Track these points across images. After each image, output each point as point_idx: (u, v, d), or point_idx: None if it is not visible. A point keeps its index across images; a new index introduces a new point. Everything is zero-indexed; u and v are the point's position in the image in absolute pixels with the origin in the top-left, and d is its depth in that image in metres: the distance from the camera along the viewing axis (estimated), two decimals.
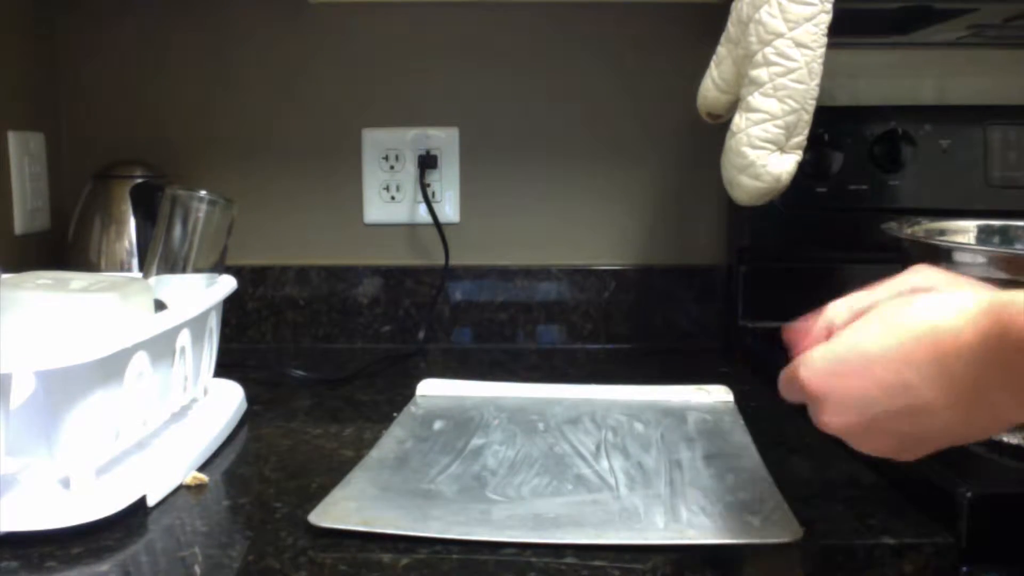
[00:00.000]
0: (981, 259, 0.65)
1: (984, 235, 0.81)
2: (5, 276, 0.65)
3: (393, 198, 1.15)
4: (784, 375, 0.52)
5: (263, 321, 1.14)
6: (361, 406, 0.86)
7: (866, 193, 1.04)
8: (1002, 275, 0.63)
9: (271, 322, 1.14)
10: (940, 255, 0.67)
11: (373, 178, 1.15)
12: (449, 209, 1.15)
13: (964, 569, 0.54)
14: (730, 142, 0.78)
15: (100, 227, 1.03)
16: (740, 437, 0.75)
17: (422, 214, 1.14)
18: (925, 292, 0.47)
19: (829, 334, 0.51)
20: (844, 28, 0.74)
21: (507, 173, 1.15)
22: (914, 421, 0.45)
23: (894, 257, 0.78)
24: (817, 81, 0.74)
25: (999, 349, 0.41)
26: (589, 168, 1.15)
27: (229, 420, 0.77)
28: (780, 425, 0.80)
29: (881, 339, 0.46)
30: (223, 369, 0.83)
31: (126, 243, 1.02)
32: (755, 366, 1.00)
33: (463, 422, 0.79)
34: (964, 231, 0.81)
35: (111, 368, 0.58)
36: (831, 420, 0.48)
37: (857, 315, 0.49)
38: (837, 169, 1.04)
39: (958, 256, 0.66)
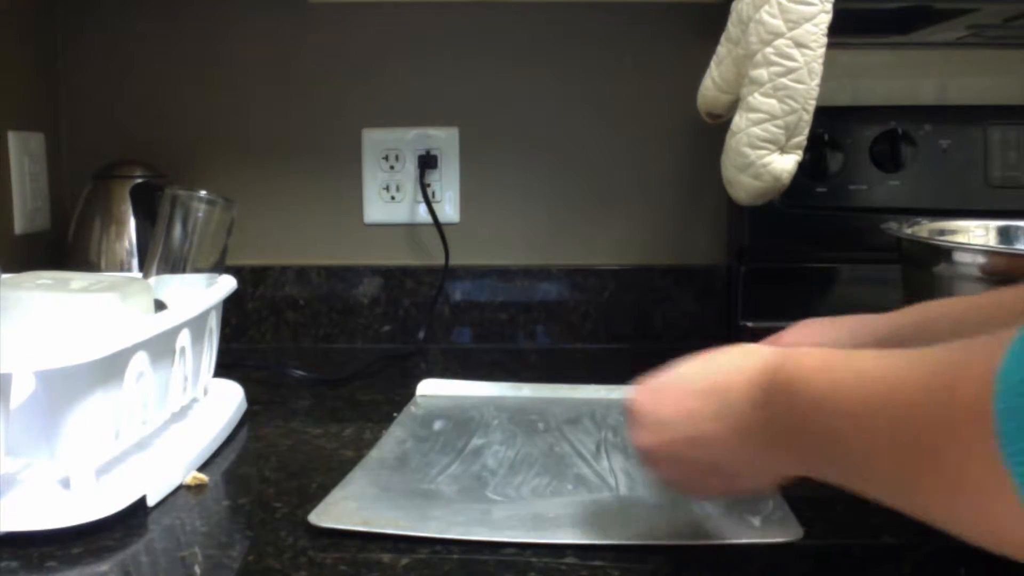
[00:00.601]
0: (981, 259, 0.65)
1: (984, 235, 0.81)
2: (5, 276, 0.65)
3: (393, 198, 1.15)
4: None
5: (263, 321, 1.14)
6: (361, 406, 0.86)
7: (866, 193, 1.04)
8: (999, 274, 0.63)
9: (271, 322, 1.14)
10: (940, 255, 0.67)
11: (373, 178, 1.15)
12: (449, 209, 1.15)
13: (963, 570, 0.54)
14: (730, 142, 0.78)
15: (100, 227, 1.03)
16: None
17: (422, 214, 1.14)
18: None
19: None
20: (844, 28, 0.74)
21: (507, 173, 1.15)
22: (698, 450, 0.49)
23: (894, 257, 0.78)
24: (817, 81, 0.74)
25: (766, 396, 0.44)
26: (589, 168, 1.15)
27: (229, 420, 0.77)
28: None
29: (691, 371, 0.51)
30: (223, 369, 0.83)
31: (126, 243, 1.02)
32: None
33: (463, 422, 0.79)
34: (964, 231, 0.81)
35: (111, 368, 0.58)
36: (640, 437, 0.52)
37: None
38: (837, 169, 1.04)
39: (958, 256, 0.66)
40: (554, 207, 1.15)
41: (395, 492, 0.62)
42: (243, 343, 1.13)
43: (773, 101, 0.74)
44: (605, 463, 0.68)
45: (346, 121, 1.14)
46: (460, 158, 1.14)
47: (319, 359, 1.07)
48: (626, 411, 0.53)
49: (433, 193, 1.14)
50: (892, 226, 0.77)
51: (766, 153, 0.76)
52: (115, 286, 0.64)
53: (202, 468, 0.68)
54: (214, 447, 0.72)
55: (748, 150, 0.76)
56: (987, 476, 0.30)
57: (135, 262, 1.02)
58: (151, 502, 0.60)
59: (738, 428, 0.46)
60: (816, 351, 0.43)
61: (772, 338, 0.64)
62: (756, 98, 0.75)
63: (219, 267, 0.78)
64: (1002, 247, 0.80)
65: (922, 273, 0.69)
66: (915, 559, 0.54)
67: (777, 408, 0.43)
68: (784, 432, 0.43)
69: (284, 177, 1.14)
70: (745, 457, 0.47)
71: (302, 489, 0.64)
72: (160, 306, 0.69)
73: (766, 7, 0.72)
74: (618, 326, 1.14)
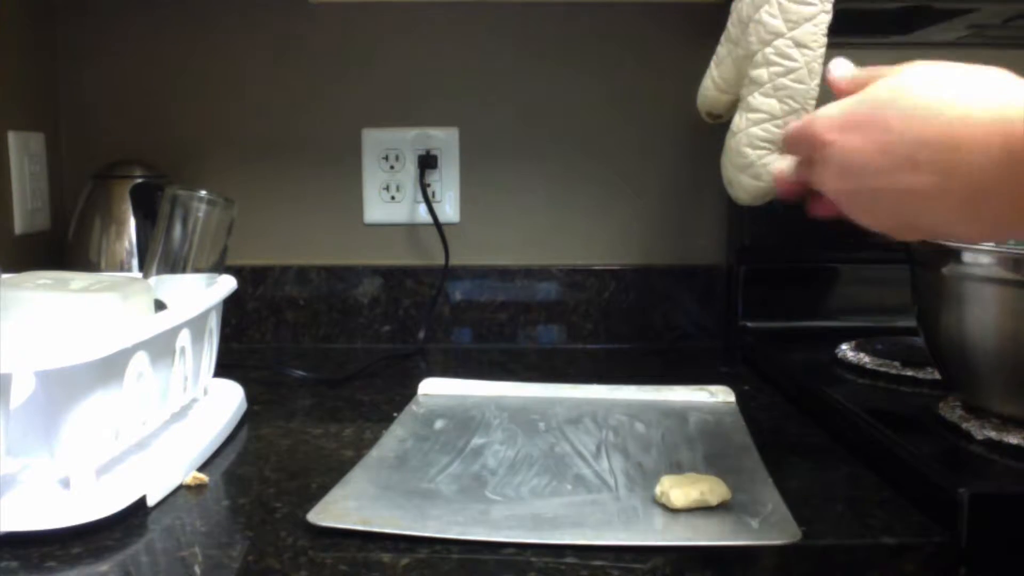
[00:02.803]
0: (989, 259, 0.64)
1: None
2: (5, 276, 0.65)
3: (393, 198, 1.15)
4: (797, 125, 0.50)
5: (263, 321, 1.14)
6: (361, 406, 0.86)
7: None
8: (1010, 275, 0.63)
9: (271, 322, 1.14)
10: (949, 256, 0.67)
11: (373, 178, 1.15)
12: (449, 209, 1.15)
13: (963, 570, 0.54)
14: (730, 142, 0.78)
15: (100, 227, 1.03)
16: (741, 438, 0.74)
17: (422, 214, 1.14)
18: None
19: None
20: (844, 28, 0.74)
21: (507, 173, 1.15)
22: (913, 204, 0.44)
23: (895, 257, 0.78)
24: (817, 81, 0.73)
25: (1012, 158, 0.39)
26: (589, 168, 1.15)
27: (229, 420, 0.77)
28: (780, 425, 0.80)
29: (907, 111, 0.43)
30: (223, 369, 0.83)
31: (126, 243, 1.02)
32: (755, 366, 1.00)
33: (464, 421, 0.79)
34: None
35: (111, 368, 0.58)
36: (832, 183, 0.47)
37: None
38: None
39: (966, 256, 0.66)
40: (554, 207, 1.15)
41: (394, 491, 0.62)
42: (243, 343, 1.13)
43: (773, 101, 0.74)
44: (605, 463, 0.68)
45: (346, 121, 1.14)
46: (460, 158, 1.14)
47: (319, 359, 1.07)
48: (797, 140, 0.48)
49: (433, 193, 1.14)
50: None
51: (766, 153, 0.76)
52: (115, 286, 0.64)
53: (202, 468, 0.68)
54: (214, 447, 0.72)
55: (748, 150, 0.76)
56: None
57: (135, 262, 1.02)
58: (151, 502, 0.60)
59: (972, 188, 0.41)
60: None
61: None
62: (756, 98, 0.75)
63: (219, 267, 0.78)
64: (1011, 248, 0.80)
65: (931, 274, 0.69)
66: (915, 559, 0.54)
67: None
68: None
69: (284, 177, 1.14)
70: (966, 216, 0.43)
71: (302, 489, 0.64)
72: (160, 306, 0.69)
73: (766, 7, 0.72)
74: (618, 326, 1.14)
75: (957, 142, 0.41)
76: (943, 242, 0.66)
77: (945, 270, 0.67)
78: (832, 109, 0.48)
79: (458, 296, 1.14)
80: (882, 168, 0.44)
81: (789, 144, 0.51)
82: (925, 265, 0.71)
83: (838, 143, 0.46)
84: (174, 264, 0.74)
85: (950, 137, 0.42)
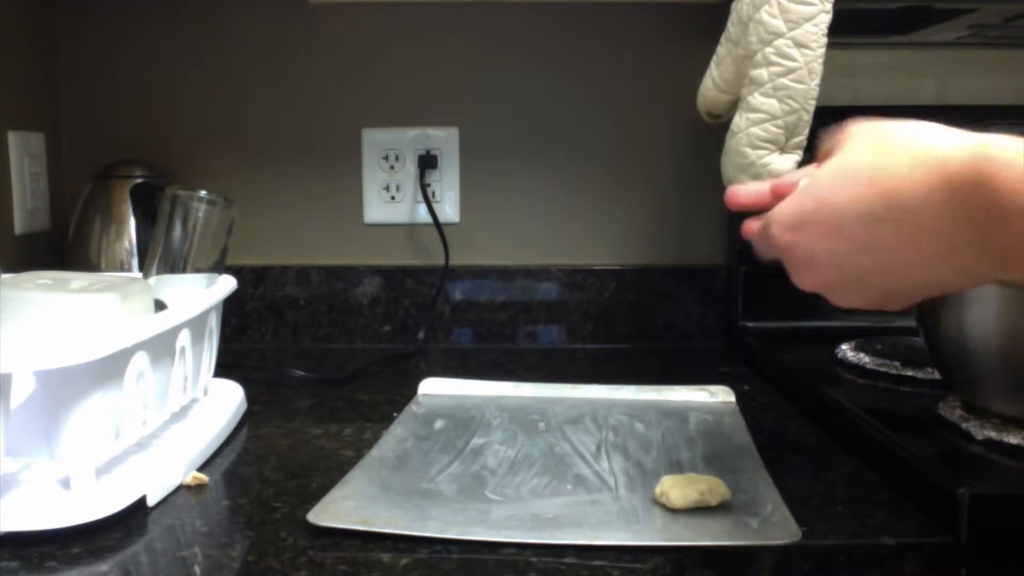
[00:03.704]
0: None
1: None
2: (5, 276, 0.65)
3: (393, 198, 1.15)
4: (757, 233, 0.51)
5: (263, 321, 1.14)
6: (361, 406, 0.86)
7: None
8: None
9: (271, 322, 1.14)
10: None
11: (373, 178, 1.15)
12: (449, 209, 1.15)
13: (963, 570, 0.54)
14: (730, 142, 0.78)
15: (100, 227, 1.03)
16: (741, 438, 0.74)
17: (422, 214, 1.14)
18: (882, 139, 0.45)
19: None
20: (844, 28, 0.75)
21: (507, 173, 1.15)
22: (889, 275, 0.44)
23: None
24: (817, 81, 0.74)
25: (968, 203, 0.39)
26: (589, 168, 1.15)
27: (229, 420, 0.77)
28: (780, 425, 0.80)
29: (852, 194, 0.44)
30: (223, 369, 0.83)
31: (126, 243, 1.02)
32: (755, 366, 1.00)
33: (464, 421, 0.79)
34: None
35: (111, 368, 0.58)
36: (807, 279, 0.48)
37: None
38: None
39: None
40: (554, 207, 1.15)
41: (394, 491, 0.62)
42: (243, 343, 1.13)
43: (773, 101, 0.74)
44: (605, 463, 0.68)
45: (346, 121, 1.14)
46: (460, 158, 1.14)
47: (319, 359, 1.07)
48: (761, 244, 0.49)
49: (433, 193, 1.14)
50: None
51: (766, 153, 0.76)
52: (115, 286, 0.64)
53: (202, 468, 0.68)
54: (214, 447, 0.72)
55: (748, 150, 0.76)
56: None
57: (135, 262, 1.02)
58: (151, 502, 0.60)
59: (933, 243, 0.41)
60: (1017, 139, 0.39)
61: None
62: (756, 98, 0.75)
63: (219, 267, 0.78)
64: None
65: None
66: (915, 559, 0.54)
67: (977, 204, 0.38)
68: (983, 231, 0.39)
69: (284, 177, 1.14)
70: (946, 273, 0.43)
71: (302, 489, 0.64)
72: (160, 306, 0.69)
73: (766, 7, 0.72)
74: (618, 326, 1.14)
75: (904, 203, 0.42)
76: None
77: None
78: (783, 208, 0.48)
79: (458, 296, 1.14)
80: (844, 254, 0.45)
81: (757, 246, 0.52)
82: None
83: (795, 243, 0.47)
84: (174, 264, 0.74)
85: (897, 202, 0.42)
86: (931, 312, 0.70)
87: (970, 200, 0.39)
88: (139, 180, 1.04)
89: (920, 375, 0.83)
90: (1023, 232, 0.37)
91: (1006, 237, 0.38)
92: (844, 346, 0.93)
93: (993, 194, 0.38)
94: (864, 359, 0.88)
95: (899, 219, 0.42)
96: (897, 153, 0.43)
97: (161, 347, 0.65)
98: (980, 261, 0.41)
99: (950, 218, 0.40)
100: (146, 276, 0.74)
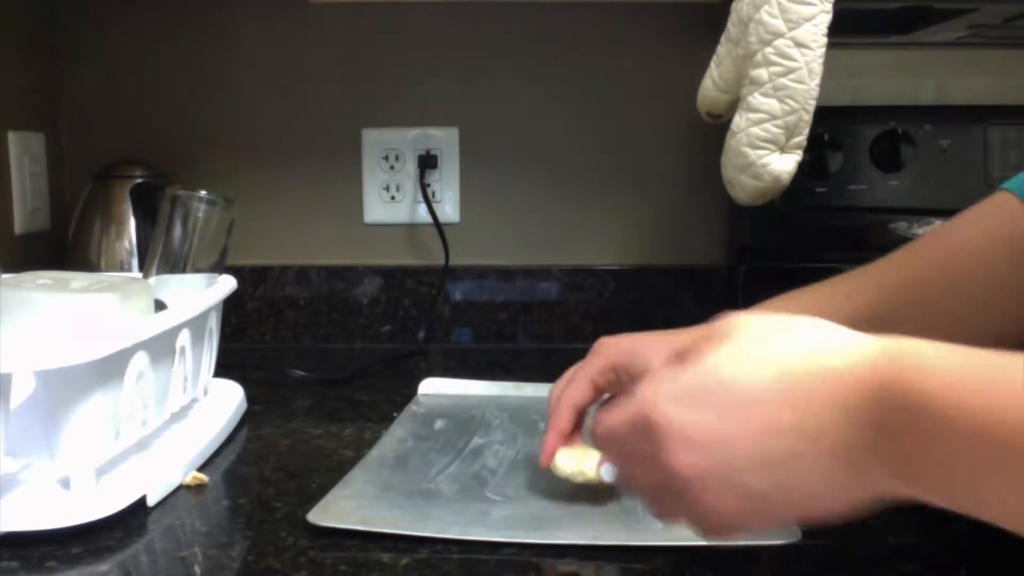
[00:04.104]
0: None
1: None
2: (5, 276, 0.65)
3: (393, 198, 1.15)
4: (614, 416, 0.44)
5: (263, 321, 1.14)
6: (361, 406, 0.86)
7: (866, 193, 1.04)
8: None
9: (271, 322, 1.14)
10: None
11: (373, 178, 1.15)
12: (449, 209, 1.15)
13: (963, 570, 0.54)
14: (730, 142, 0.78)
15: (100, 227, 1.03)
16: None
17: (422, 214, 1.14)
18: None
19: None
20: (844, 28, 0.74)
21: (507, 173, 1.15)
22: (773, 476, 0.38)
23: None
24: (817, 81, 0.74)
25: (877, 407, 0.35)
26: (589, 168, 1.15)
27: (229, 420, 0.77)
28: None
29: (757, 373, 0.38)
30: (223, 369, 0.83)
31: (126, 243, 1.02)
32: None
33: (464, 421, 0.79)
34: None
35: (111, 368, 0.58)
36: (678, 459, 0.39)
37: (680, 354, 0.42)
38: (837, 169, 1.04)
39: None
40: (554, 207, 1.15)
41: (394, 491, 0.62)
42: (243, 343, 1.13)
43: (773, 101, 0.74)
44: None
45: (346, 121, 1.14)
46: (460, 158, 1.14)
47: (319, 359, 1.07)
48: (636, 429, 0.42)
49: (433, 193, 1.14)
50: (901, 225, 0.77)
51: (766, 153, 0.76)
52: (115, 286, 0.64)
53: (202, 468, 0.68)
54: (214, 447, 0.72)
55: (748, 150, 0.76)
56: None
57: (135, 262, 1.02)
58: (151, 502, 0.60)
59: (832, 447, 0.37)
60: (936, 352, 0.35)
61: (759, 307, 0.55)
62: (756, 98, 0.75)
63: (219, 267, 0.78)
64: None
65: None
66: (915, 560, 0.54)
67: (892, 424, 0.35)
68: (896, 453, 0.35)
69: (284, 177, 1.14)
70: (837, 482, 0.37)
71: (302, 489, 0.64)
72: (160, 306, 0.69)
73: (766, 7, 0.72)
74: (618, 326, 1.13)
75: (809, 394, 0.38)
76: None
77: None
78: (666, 387, 0.42)
79: (458, 296, 1.14)
80: (739, 441, 0.39)
81: (608, 436, 0.46)
82: None
83: (676, 417, 0.40)
84: (174, 264, 0.74)
85: (801, 392, 0.38)
86: None
87: (881, 405, 0.35)
88: (139, 180, 1.04)
89: None
90: (933, 438, 0.33)
91: (914, 445, 0.34)
92: None
93: (911, 414, 0.34)
94: None
95: (804, 428, 0.37)
96: (799, 354, 0.39)
97: (161, 347, 0.65)
98: (883, 472, 0.36)
99: (868, 436, 0.36)
100: (146, 276, 0.74)
